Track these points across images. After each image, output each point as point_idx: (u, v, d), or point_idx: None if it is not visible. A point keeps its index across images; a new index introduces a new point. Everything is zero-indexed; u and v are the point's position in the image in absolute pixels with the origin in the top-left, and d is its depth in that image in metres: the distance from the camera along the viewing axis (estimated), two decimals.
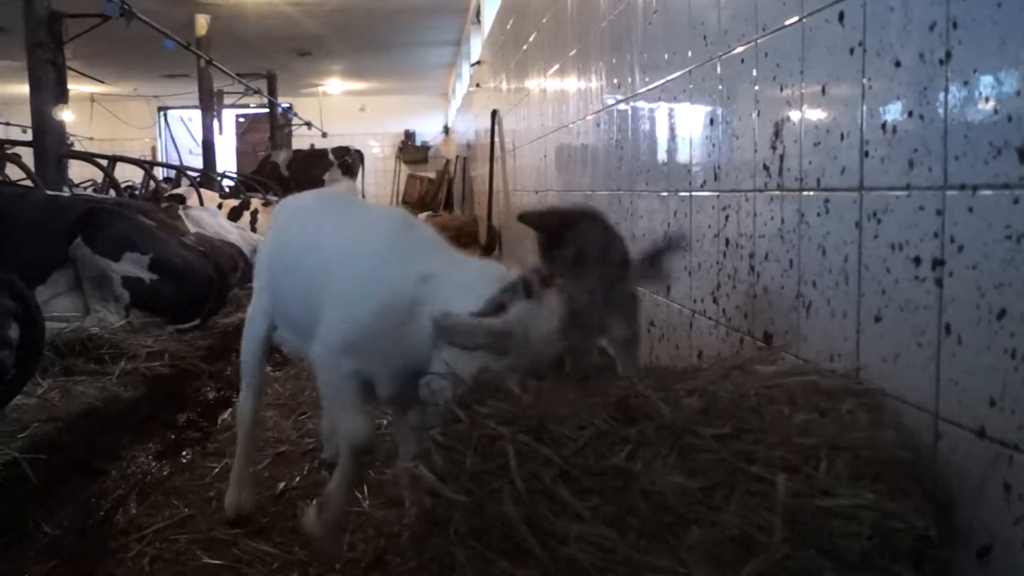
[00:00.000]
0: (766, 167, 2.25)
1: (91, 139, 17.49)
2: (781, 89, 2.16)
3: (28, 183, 6.08)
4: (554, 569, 1.30)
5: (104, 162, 7.65)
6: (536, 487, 1.43)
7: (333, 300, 2.04)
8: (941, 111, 1.50)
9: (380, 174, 21.85)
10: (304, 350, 2.24)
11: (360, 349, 1.98)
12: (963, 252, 1.42)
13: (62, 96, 6.34)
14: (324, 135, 19.62)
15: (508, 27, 8.38)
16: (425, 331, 1.85)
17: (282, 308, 2.34)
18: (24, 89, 6.42)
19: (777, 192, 2.19)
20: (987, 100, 1.37)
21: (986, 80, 1.38)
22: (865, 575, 1.24)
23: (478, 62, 11.88)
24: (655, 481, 1.41)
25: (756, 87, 2.32)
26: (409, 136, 22.54)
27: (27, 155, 6.46)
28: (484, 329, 1.75)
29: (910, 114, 1.59)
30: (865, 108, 1.76)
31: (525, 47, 7.12)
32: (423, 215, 14.71)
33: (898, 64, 1.64)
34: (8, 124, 18.78)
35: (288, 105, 19.17)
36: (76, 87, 12.24)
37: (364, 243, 2.09)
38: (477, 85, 12.03)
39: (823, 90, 1.95)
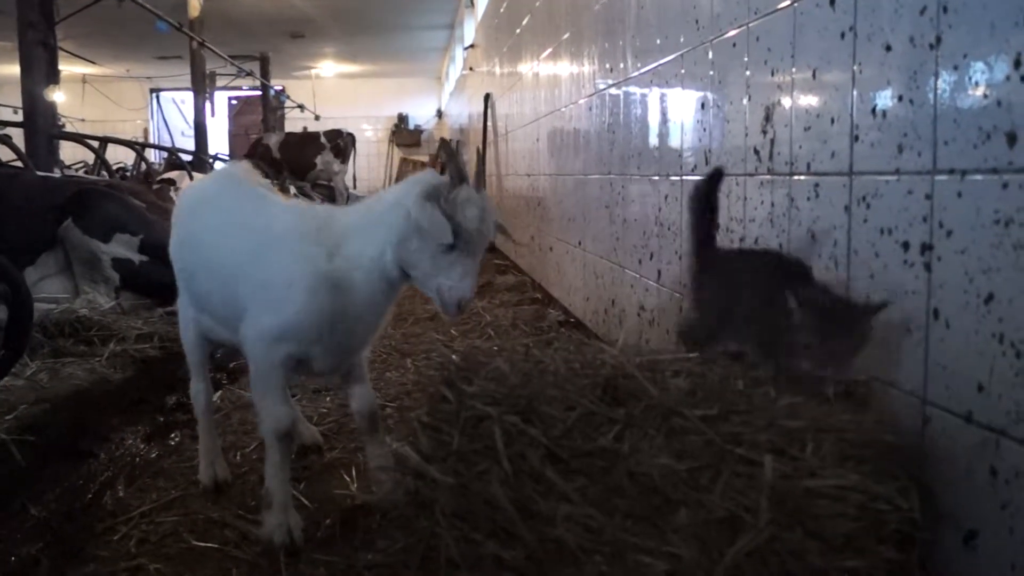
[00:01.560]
0: (757, 151, 2.25)
1: (83, 120, 17.37)
2: (772, 74, 2.16)
3: (18, 164, 6.05)
4: (541, 550, 1.30)
5: (95, 143, 7.60)
6: (523, 468, 1.44)
7: (256, 289, 2.09)
8: (931, 96, 1.50)
9: (373, 157, 21.78)
10: (230, 338, 2.28)
11: (294, 335, 2.04)
12: (952, 237, 1.42)
13: (53, 77, 6.28)
14: (317, 118, 19.53)
15: (502, 10, 8.34)
16: (354, 301, 2.01)
17: (201, 298, 2.37)
18: (15, 70, 6.36)
19: (767, 176, 2.19)
20: (977, 85, 1.37)
21: (976, 65, 1.37)
22: (851, 556, 1.24)
23: (471, 45, 11.82)
24: (642, 462, 1.41)
25: (747, 72, 2.31)
26: (402, 119, 22.45)
27: (18, 136, 6.42)
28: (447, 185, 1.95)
29: (900, 99, 1.59)
30: (855, 93, 1.76)
31: (518, 31, 7.09)
32: None
33: (888, 48, 1.63)
34: None
35: (281, 88, 19.08)
36: (68, 68, 12.20)
37: (275, 237, 2.13)
38: (471, 69, 11.98)
39: (814, 75, 1.94)
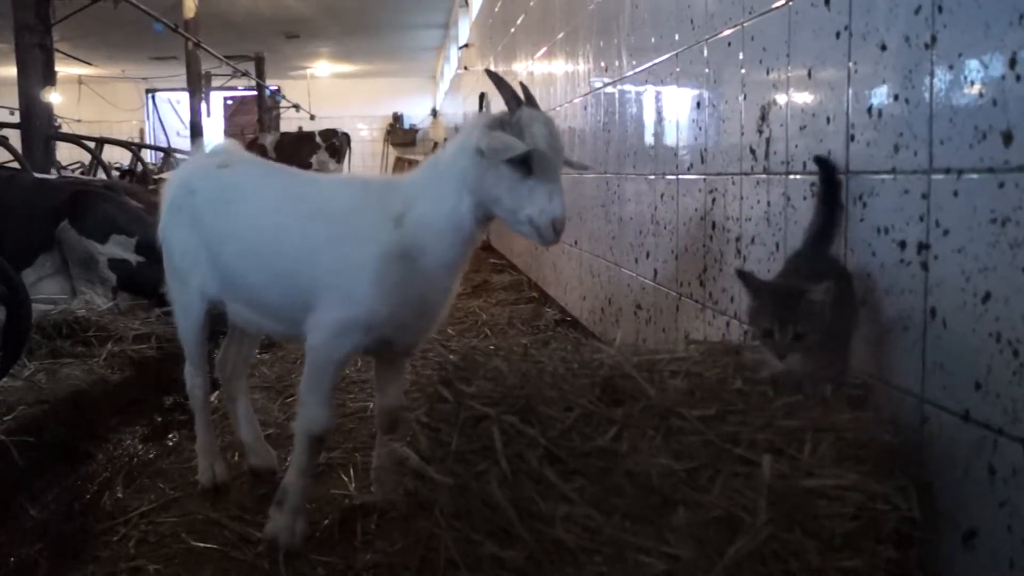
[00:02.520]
0: (752, 150, 2.25)
1: (79, 121, 17.33)
2: (768, 73, 2.16)
3: (15, 165, 6.04)
4: (540, 550, 1.30)
5: (92, 144, 7.60)
6: (522, 468, 1.43)
7: (325, 276, 1.98)
8: (927, 95, 1.50)
9: (368, 157, 21.77)
10: (284, 331, 2.20)
11: (367, 324, 1.97)
12: (948, 236, 1.42)
13: (50, 78, 6.28)
14: (312, 117, 19.51)
15: (496, 10, 8.34)
16: (428, 266, 1.94)
17: (244, 290, 2.22)
18: (11, 71, 6.36)
19: (763, 175, 2.19)
20: (972, 84, 1.37)
21: (972, 64, 1.38)
22: (850, 556, 1.24)
23: (466, 45, 11.81)
24: (640, 462, 1.41)
25: (743, 70, 2.32)
26: (397, 119, 22.43)
27: (14, 137, 6.42)
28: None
29: (896, 98, 1.60)
30: (851, 92, 1.76)
31: (513, 30, 7.09)
32: None
33: (884, 48, 1.64)
34: None
35: (276, 87, 19.04)
36: (64, 69, 12.16)
37: (336, 216, 2.04)
38: (465, 68, 11.98)
39: (809, 74, 1.95)
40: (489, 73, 2.04)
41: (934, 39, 1.48)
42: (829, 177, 1.79)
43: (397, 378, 2.23)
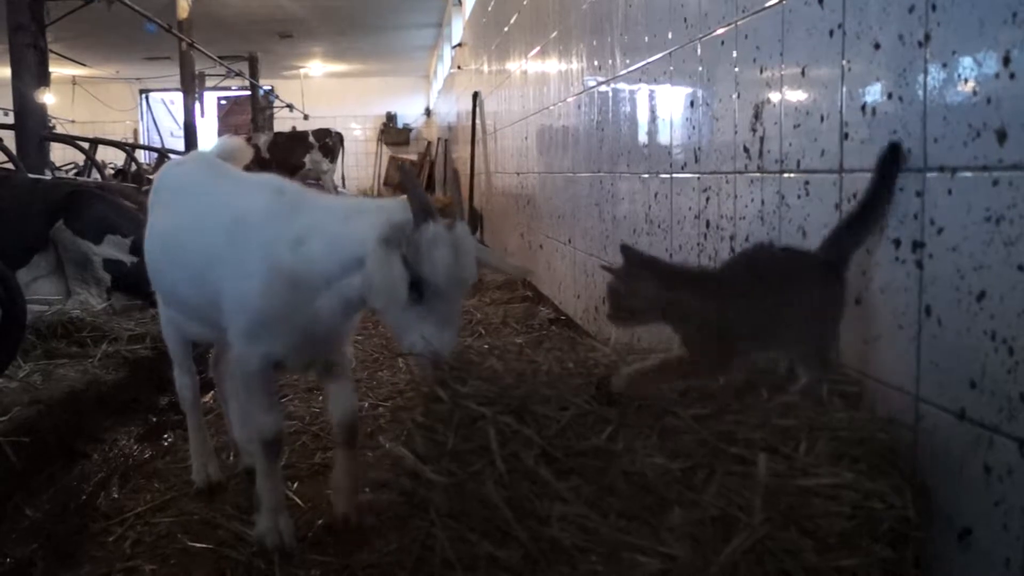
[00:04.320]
0: (746, 149, 2.25)
1: (72, 122, 17.30)
2: (761, 71, 2.16)
3: (8, 166, 6.03)
4: (536, 550, 1.30)
5: (86, 145, 7.58)
6: (517, 468, 1.44)
7: (225, 281, 1.92)
8: (920, 93, 1.50)
9: (361, 156, 21.73)
10: (208, 334, 2.17)
11: (262, 332, 1.89)
12: (943, 234, 1.42)
13: (44, 79, 6.28)
14: (306, 117, 19.48)
15: (489, 9, 8.34)
16: (317, 294, 1.78)
17: (170, 293, 2.22)
18: (5, 72, 6.36)
19: (757, 174, 2.19)
20: (966, 82, 1.38)
21: (965, 62, 1.38)
22: (845, 555, 1.24)
23: (459, 44, 11.81)
24: (636, 462, 1.42)
25: (736, 69, 2.32)
26: (391, 118, 22.41)
27: (8, 138, 6.40)
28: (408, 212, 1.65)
29: (890, 96, 1.60)
30: (845, 90, 1.76)
31: (506, 29, 7.08)
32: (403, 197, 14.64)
33: (877, 46, 1.64)
34: None
35: (270, 87, 19.02)
36: (58, 70, 12.14)
37: (239, 221, 1.91)
38: (459, 67, 11.97)
39: (803, 72, 1.95)
40: (403, 172, 1.83)
41: (928, 37, 1.48)
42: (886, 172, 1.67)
43: (345, 389, 2.10)
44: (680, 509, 1.33)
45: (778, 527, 1.27)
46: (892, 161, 1.64)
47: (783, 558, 1.24)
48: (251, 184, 2.06)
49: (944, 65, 1.44)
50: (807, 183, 1.92)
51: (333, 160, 16.04)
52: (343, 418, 2.09)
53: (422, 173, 19.46)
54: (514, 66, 6.75)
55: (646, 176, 3.19)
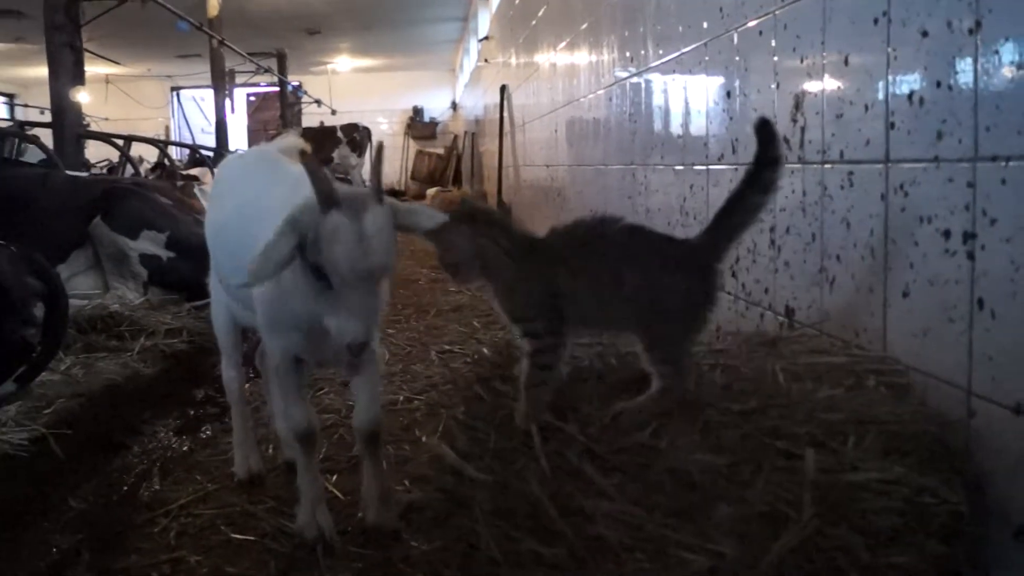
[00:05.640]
0: (787, 139, 2.23)
1: (106, 119, 17.45)
2: (801, 60, 2.13)
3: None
4: (581, 547, 1.29)
5: (120, 142, 7.67)
6: (561, 465, 1.43)
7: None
8: (970, 81, 1.47)
9: (389, 150, 21.57)
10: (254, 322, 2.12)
11: (276, 325, 1.86)
12: (996, 225, 1.40)
13: (80, 78, 6.34)
14: (333, 112, 19.55)
15: (517, 2, 8.31)
16: (303, 292, 1.66)
17: (222, 278, 2.23)
18: (40, 71, 6.45)
19: (798, 165, 2.16)
20: (1019, 68, 1.35)
21: (1018, 48, 1.35)
22: (898, 551, 1.23)
23: (486, 37, 11.78)
24: (681, 458, 1.40)
25: (775, 58, 2.29)
26: (417, 112, 22.43)
27: (45, 136, 6.49)
28: (271, 244, 1.56)
29: (938, 85, 1.57)
30: (890, 79, 1.73)
31: (534, 22, 7.06)
32: (432, 191, 14.66)
33: (925, 34, 1.61)
34: (26, 106, 18.85)
35: (298, 83, 19.10)
36: (92, 68, 12.27)
37: (266, 213, 1.80)
38: (485, 60, 11.95)
39: (846, 61, 1.92)
40: (303, 156, 1.69)
41: (978, 24, 1.45)
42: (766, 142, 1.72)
43: (368, 392, 1.99)
44: (727, 505, 1.31)
45: (828, 523, 1.26)
46: (767, 140, 1.69)
47: (833, 555, 1.23)
48: (286, 176, 2.02)
49: (996, 52, 1.41)
50: (851, 173, 1.89)
51: (361, 155, 16.10)
52: (363, 425, 1.99)
53: (449, 167, 19.48)
54: (542, 59, 6.72)
55: (680, 168, 3.16)
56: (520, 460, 1.46)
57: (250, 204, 2.02)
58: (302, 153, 1.69)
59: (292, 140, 2.34)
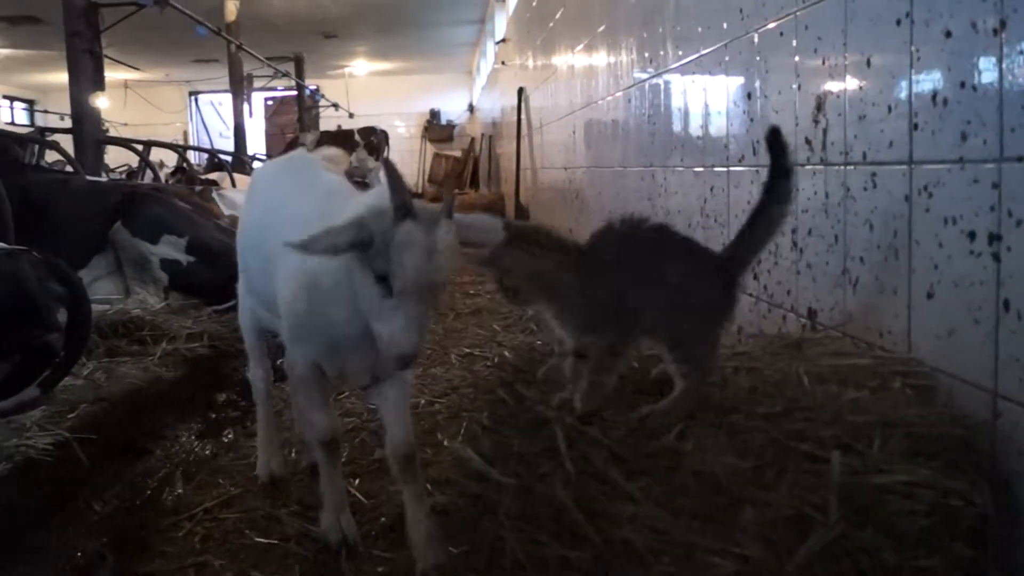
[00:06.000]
0: (808, 141, 2.22)
1: (125, 125, 17.59)
2: (823, 62, 2.13)
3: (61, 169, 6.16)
4: (607, 551, 1.29)
5: (140, 147, 7.73)
6: (586, 469, 1.43)
7: (279, 287, 1.87)
8: (995, 81, 1.47)
9: (406, 153, 21.82)
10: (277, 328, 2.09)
11: (303, 334, 1.83)
12: (1021, 226, 1.39)
13: (99, 83, 6.40)
14: (351, 116, 19.62)
15: (534, 4, 8.32)
16: (341, 300, 1.65)
17: (252, 284, 2.24)
18: (60, 77, 6.52)
19: (820, 166, 2.16)
20: None
21: None
22: (925, 554, 1.22)
23: (503, 40, 11.80)
24: (706, 461, 1.40)
25: (796, 59, 2.28)
26: (434, 115, 22.48)
27: (65, 142, 6.55)
28: (336, 229, 1.54)
29: (962, 85, 1.56)
30: (914, 80, 1.72)
31: (551, 24, 7.06)
32: None
33: (948, 34, 1.60)
34: (46, 111, 19.04)
35: (315, 87, 19.20)
36: (110, 74, 12.39)
37: (295, 221, 1.80)
38: (502, 63, 11.96)
39: (868, 63, 1.91)
40: (386, 163, 1.65)
41: (1003, 24, 1.44)
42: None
43: (399, 415, 1.91)
44: (752, 509, 1.31)
45: (854, 526, 1.25)
46: (778, 151, 1.77)
47: (860, 558, 1.22)
48: (319, 184, 2.04)
49: (1021, 52, 1.40)
50: (874, 175, 1.88)
51: (378, 158, 16.14)
52: (399, 449, 1.89)
53: (466, 169, 19.50)
54: (560, 61, 6.72)
55: (700, 169, 3.15)
56: (545, 464, 1.46)
57: (282, 210, 2.02)
58: (386, 162, 1.65)
59: (332, 152, 2.36)
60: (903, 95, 1.76)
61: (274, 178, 2.29)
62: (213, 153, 10.73)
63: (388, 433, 1.90)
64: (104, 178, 6.03)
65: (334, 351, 1.84)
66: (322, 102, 19.54)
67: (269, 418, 2.48)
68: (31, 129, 12.35)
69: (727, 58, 2.83)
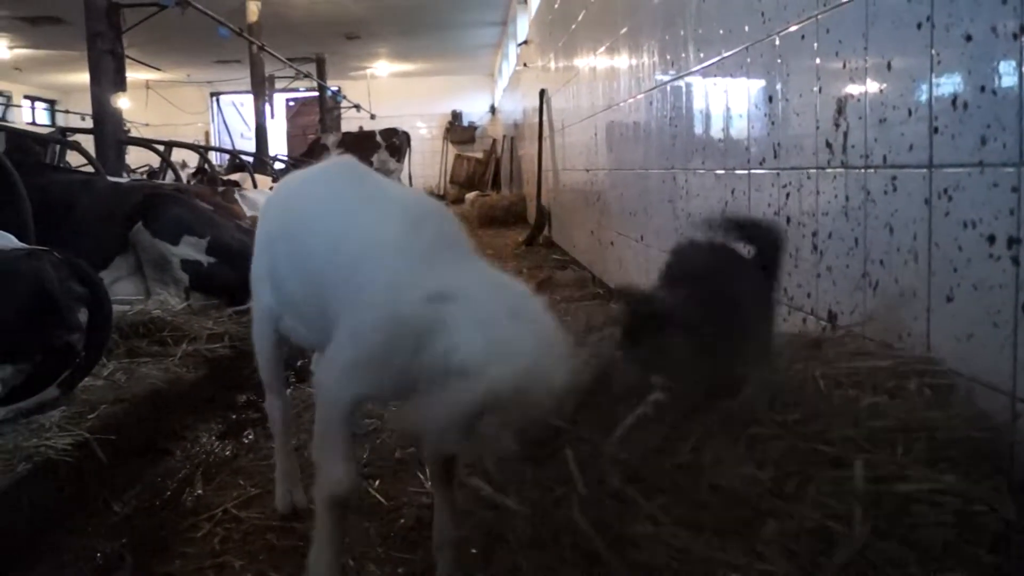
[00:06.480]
0: (829, 144, 2.20)
1: (146, 125, 17.77)
2: (844, 65, 2.11)
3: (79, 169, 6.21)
4: (627, 574, 1.26)
5: (161, 148, 7.79)
6: (603, 489, 1.39)
7: (344, 316, 1.68)
8: (1015, 85, 1.45)
9: (428, 155, 21.90)
10: (319, 342, 1.88)
11: (365, 377, 1.63)
12: None
13: (121, 84, 6.46)
14: (372, 117, 19.71)
15: (556, 6, 8.31)
16: (434, 359, 1.42)
17: (286, 296, 2.00)
18: (81, 77, 6.58)
19: (841, 170, 2.14)
20: None
21: None
22: (951, 565, 1.20)
23: (525, 42, 11.79)
24: (725, 474, 1.37)
25: (818, 62, 2.27)
26: (456, 116, 22.53)
27: (87, 142, 6.60)
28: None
29: (983, 89, 1.55)
30: (934, 84, 1.71)
31: (574, 26, 7.05)
32: (471, 195, 14.71)
33: (969, 38, 1.59)
34: (67, 112, 19.24)
35: (337, 88, 19.29)
36: (132, 74, 12.52)
37: (369, 246, 1.68)
38: (524, 65, 11.95)
39: (889, 66, 1.90)
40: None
41: (1023, 28, 1.43)
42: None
43: (450, 499, 1.80)
44: (775, 522, 1.28)
45: (879, 537, 1.23)
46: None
47: (887, 570, 1.20)
48: (390, 205, 1.82)
49: None
50: (894, 178, 1.87)
51: (400, 159, 16.20)
52: (442, 537, 1.81)
53: (488, 171, 19.51)
54: (582, 63, 6.71)
55: (721, 172, 3.14)
56: (559, 488, 1.41)
57: (337, 226, 1.81)
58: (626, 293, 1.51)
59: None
60: (923, 99, 1.74)
61: (327, 194, 1.97)
62: (234, 154, 10.79)
63: (439, 521, 1.83)
64: (125, 179, 6.08)
65: (389, 393, 1.72)
66: (344, 103, 19.63)
67: (288, 448, 2.31)
68: (52, 129, 12.47)
69: (748, 61, 2.82)
